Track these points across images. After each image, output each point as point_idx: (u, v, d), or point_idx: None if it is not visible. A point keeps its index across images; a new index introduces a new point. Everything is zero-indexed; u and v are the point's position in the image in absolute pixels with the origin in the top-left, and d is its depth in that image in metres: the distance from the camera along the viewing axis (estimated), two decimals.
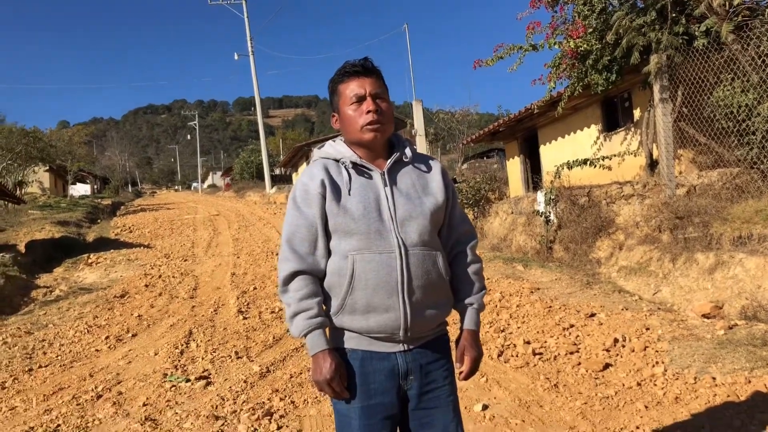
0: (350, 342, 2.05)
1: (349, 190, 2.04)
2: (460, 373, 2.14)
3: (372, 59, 2.12)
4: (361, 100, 2.06)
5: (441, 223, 2.16)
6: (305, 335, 1.99)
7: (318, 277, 2.06)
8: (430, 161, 2.22)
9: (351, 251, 1.99)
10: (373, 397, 2.01)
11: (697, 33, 8.06)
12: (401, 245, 1.99)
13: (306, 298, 2.01)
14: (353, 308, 1.99)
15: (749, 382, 4.10)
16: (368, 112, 2.05)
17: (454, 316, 2.20)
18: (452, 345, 2.22)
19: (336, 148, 2.15)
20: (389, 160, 2.10)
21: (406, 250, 2.00)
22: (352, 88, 2.07)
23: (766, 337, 4.83)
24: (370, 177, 2.08)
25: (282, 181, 46.95)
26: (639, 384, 4.41)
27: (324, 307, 2.05)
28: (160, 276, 10.87)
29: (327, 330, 2.05)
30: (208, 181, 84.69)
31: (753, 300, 5.72)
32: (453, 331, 2.20)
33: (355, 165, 2.08)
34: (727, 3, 7.39)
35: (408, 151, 2.16)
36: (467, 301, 2.17)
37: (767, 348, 4.63)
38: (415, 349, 2.06)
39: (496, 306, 7.06)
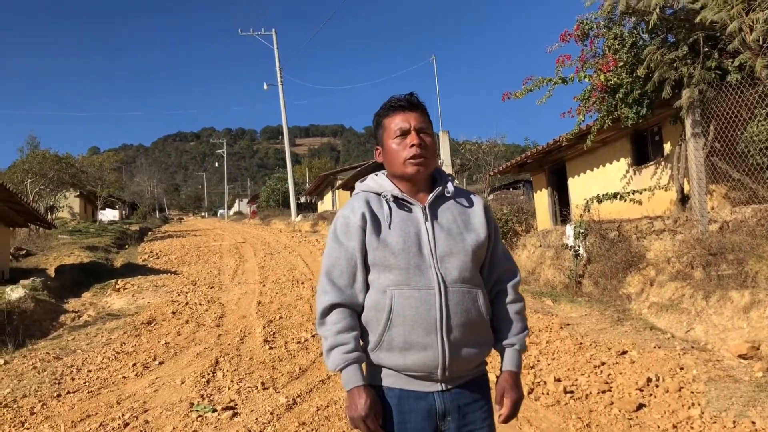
0: (387, 380, 2.01)
1: (390, 224, 2.02)
2: (500, 415, 2.09)
3: (417, 94, 2.13)
4: (405, 134, 2.07)
5: (483, 260, 2.13)
6: (341, 370, 1.96)
7: (356, 311, 2.03)
8: (472, 196, 2.20)
9: (390, 286, 1.97)
10: None
11: (730, 68, 7.99)
12: (441, 282, 1.97)
13: (343, 331, 1.98)
14: (391, 345, 1.96)
15: None
16: (412, 146, 2.05)
17: (492, 356, 2.16)
18: (491, 385, 2.17)
19: (378, 181, 2.15)
20: (431, 195, 2.09)
21: (446, 286, 1.97)
22: (397, 122, 2.08)
23: None
24: (411, 211, 2.07)
25: (307, 209, 47.23)
26: (675, 426, 4.29)
27: (362, 343, 2.03)
28: (186, 303, 10.93)
29: (364, 365, 2.01)
30: (235, 208, 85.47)
31: None
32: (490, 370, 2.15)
33: (396, 199, 2.07)
34: (761, 38, 7.32)
35: (450, 186, 2.14)
36: (508, 341, 2.12)
37: None
38: (453, 389, 2.01)
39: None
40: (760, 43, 7.44)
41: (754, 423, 4.13)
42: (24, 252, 18.49)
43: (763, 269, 6.67)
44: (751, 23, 7.30)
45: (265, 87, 39.23)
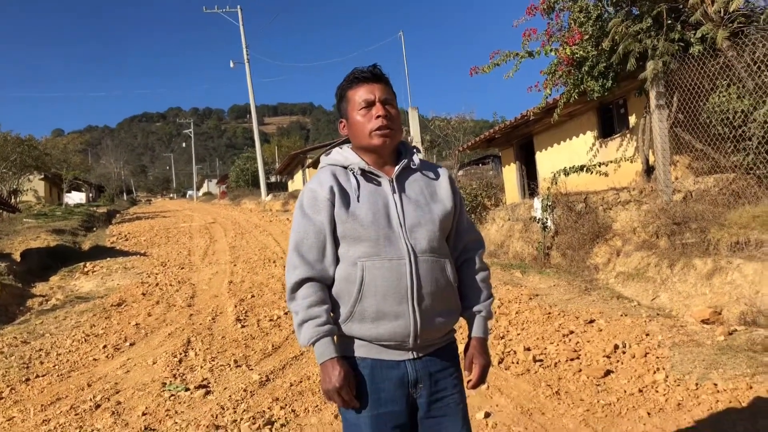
0: (360, 350, 2.03)
1: (358, 197, 2.03)
2: (469, 381, 2.13)
3: (380, 66, 2.13)
4: (370, 105, 2.07)
5: (449, 230, 2.16)
6: (313, 343, 1.98)
7: (326, 284, 2.05)
8: (438, 169, 2.22)
9: (360, 258, 1.98)
10: (382, 406, 2.00)
11: (692, 40, 8.09)
12: (411, 252, 1.99)
13: (314, 305, 1.99)
14: (363, 316, 1.98)
15: (751, 387, 4.10)
16: (378, 117, 2.05)
17: (460, 323, 2.20)
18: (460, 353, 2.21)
19: (344, 154, 2.15)
20: (397, 167, 2.10)
21: (416, 256, 1.99)
22: (361, 93, 2.08)
23: (766, 343, 4.84)
24: (379, 184, 2.08)
25: (277, 188, 46.94)
26: (641, 390, 4.41)
27: (332, 315, 2.04)
28: (157, 284, 10.84)
29: (335, 338, 2.03)
30: (204, 189, 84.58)
31: (752, 305, 5.73)
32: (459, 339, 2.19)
33: (363, 172, 2.08)
34: (722, 10, 7.42)
35: (416, 158, 2.16)
36: (475, 308, 2.17)
37: (767, 353, 4.63)
38: (424, 357, 2.05)
39: (495, 312, 7.05)
40: (721, 14, 7.54)
41: (716, 385, 4.25)
42: None
43: (724, 237, 6.83)
44: None
45: (232, 65, 38.72)
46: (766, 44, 7.07)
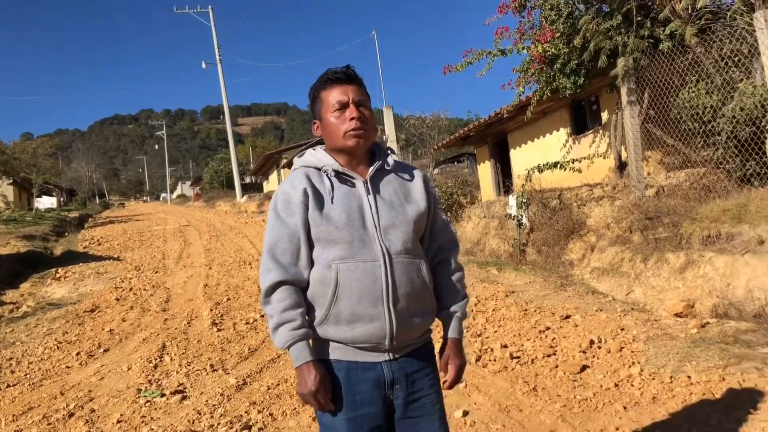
0: (335, 353, 2.02)
1: (332, 199, 2.02)
2: (445, 381, 2.14)
3: (354, 67, 2.12)
4: (344, 107, 2.06)
5: (423, 230, 2.15)
6: (289, 347, 1.96)
7: (301, 287, 2.03)
8: (413, 170, 2.22)
9: (335, 260, 1.97)
10: (359, 408, 1.99)
11: (662, 36, 8.19)
12: (386, 253, 1.98)
13: (289, 309, 1.97)
14: (338, 318, 1.97)
15: (723, 379, 4.16)
16: (351, 119, 2.04)
17: (436, 323, 2.19)
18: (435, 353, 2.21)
19: (317, 156, 2.13)
20: (371, 168, 2.09)
21: (391, 258, 1.98)
22: (335, 95, 2.07)
23: (737, 335, 4.91)
24: (353, 185, 2.06)
25: (252, 189, 46.68)
26: (616, 385, 4.44)
27: (307, 318, 2.03)
28: (131, 289, 10.69)
29: (311, 341, 2.02)
30: (177, 191, 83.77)
31: (723, 298, 5.81)
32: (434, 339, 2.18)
33: (337, 173, 2.06)
34: (690, 6, 7.52)
35: (390, 159, 2.15)
36: (451, 309, 2.16)
37: (739, 345, 4.71)
38: (400, 358, 2.04)
39: (473, 310, 7.07)
40: (689, 11, 7.64)
41: (689, 377, 4.30)
42: None
43: (696, 231, 6.92)
44: None
45: (204, 66, 38.43)
46: (733, 41, 7.18)
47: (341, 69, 2.11)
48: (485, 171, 16.71)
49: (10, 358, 6.76)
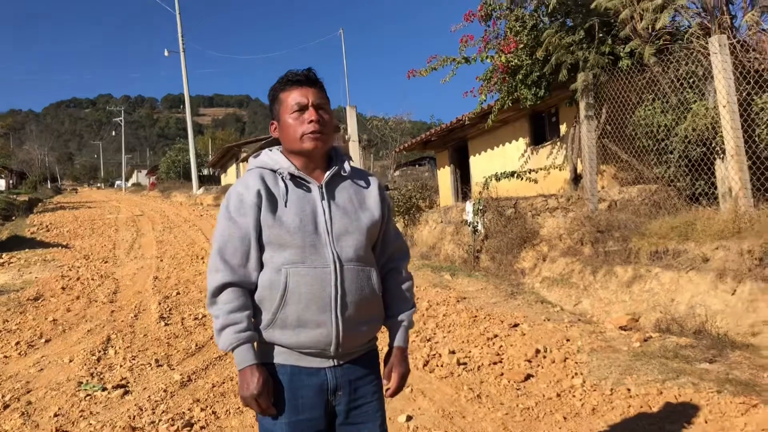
0: (279, 357, 2.01)
1: (286, 202, 2.00)
2: (387, 389, 2.14)
3: (315, 70, 2.11)
4: (303, 109, 2.05)
5: (376, 238, 2.15)
6: (233, 349, 1.94)
7: (249, 289, 2.01)
8: (369, 177, 2.21)
9: (285, 264, 1.96)
10: (300, 413, 1.98)
11: (622, 54, 8.37)
12: (336, 260, 1.98)
13: (235, 311, 1.96)
14: (284, 323, 1.96)
15: (661, 393, 4.26)
16: (310, 121, 2.03)
17: (381, 331, 2.19)
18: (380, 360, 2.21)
19: (273, 157, 2.11)
20: (327, 173, 2.08)
21: (341, 265, 1.98)
22: (294, 96, 2.05)
23: (678, 350, 5.04)
24: (308, 189, 2.05)
25: (210, 181, 46.05)
26: (558, 395, 4.51)
27: (253, 321, 2.01)
28: (78, 278, 10.43)
29: (255, 344, 2.00)
30: (133, 180, 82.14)
31: (666, 313, 5.96)
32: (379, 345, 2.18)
33: (292, 176, 2.05)
34: (650, 26, 7.69)
35: (347, 165, 2.14)
36: (399, 318, 2.17)
37: (678, 360, 4.83)
38: (345, 365, 2.04)
39: (423, 315, 7.10)
40: (649, 31, 7.82)
41: (629, 390, 4.40)
42: None
43: (644, 246, 7.08)
44: (641, 12, 7.67)
45: (166, 53, 37.83)
46: (689, 62, 7.37)
47: (302, 71, 2.10)
48: (445, 176, 16.82)
49: None
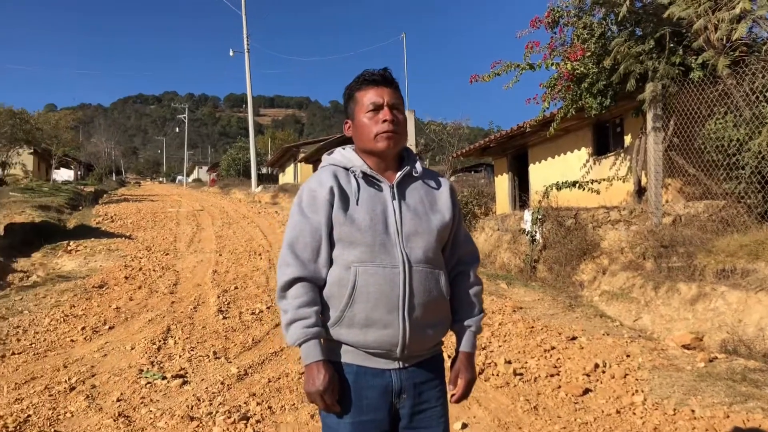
0: (346, 356, 2.01)
1: (357, 200, 2.01)
2: (453, 395, 2.12)
3: (390, 70, 2.11)
4: (378, 108, 2.05)
5: (445, 241, 2.14)
6: (300, 344, 1.95)
7: (318, 285, 2.02)
8: (440, 178, 2.20)
9: (354, 262, 1.96)
10: (365, 413, 1.98)
11: (693, 65, 8.14)
12: (406, 261, 1.97)
13: (304, 306, 1.96)
14: (352, 321, 1.96)
15: (728, 416, 4.12)
16: (384, 121, 2.03)
17: (449, 336, 2.18)
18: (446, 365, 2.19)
19: (346, 156, 2.12)
20: (399, 173, 2.08)
21: (410, 266, 1.97)
22: (370, 96, 2.06)
23: (746, 373, 4.86)
24: (380, 189, 2.05)
25: (268, 180, 46.76)
26: (618, 412, 4.41)
27: (321, 318, 2.01)
28: (140, 269, 10.75)
29: (322, 341, 2.01)
30: (194, 176, 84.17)
31: (734, 334, 5.76)
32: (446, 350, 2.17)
33: (365, 175, 2.06)
34: (725, 38, 7.47)
35: (418, 166, 2.14)
36: (466, 323, 2.15)
37: (746, 383, 4.65)
38: (410, 368, 2.03)
39: None
40: (724, 42, 7.59)
41: (693, 411, 4.26)
42: None
43: (711, 263, 6.86)
44: (716, 22, 7.44)
45: (231, 53, 38.57)
46: (765, 75, 7.12)
47: (378, 71, 2.10)
48: (502, 183, 16.66)
49: (17, 326, 6.82)
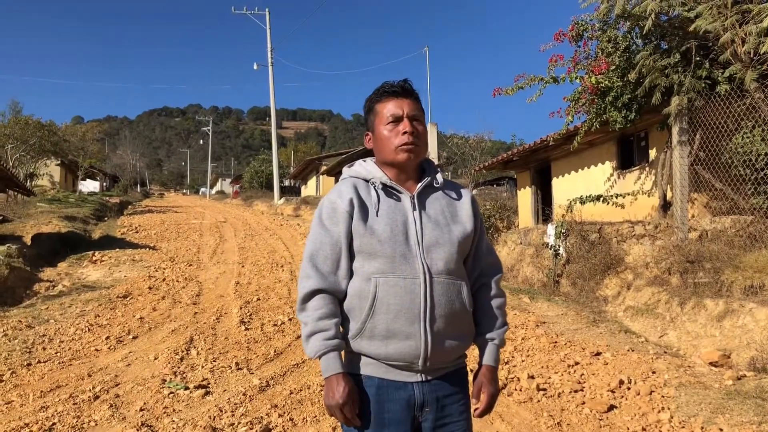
0: (367, 368, 1.99)
1: (377, 212, 2.00)
2: (476, 409, 2.09)
3: (411, 81, 2.12)
4: (398, 120, 2.05)
5: (467, 252, 2.12)
6: (320, 357, 1.94)
7: (338, 297, 2.01)
8: (461, 189, 2.19)
9: (374, 274, 1.95)
10: (386, 427, 1.96)
11: (720, 78, 8.05)
12: (426, 272, 1.95)
13: (324, 318, 1.96)
14: (372, 333, 1.95)
15: None
16: (404, 133, 2.03)
17: (471, 349, 2.16)
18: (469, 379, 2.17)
19: (367, 168, 2.12)
20: (420, 184, 2.07)
21: (431, 277, 1.96)
22: (390, 108, 2.06)
23: None
24: (399, 200, 2.05)
25: (291, 192, 47.07)
26: (644, 429, 4.34)
27: (341, 330, 2.01)
28: (164, 279, 10.85)
29: (343, 353, 2.00)
30: (217, 187, 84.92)
31: (763, 352, 5.64)
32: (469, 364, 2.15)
33: (385, 186, 2.05)
34: (752, 51, 7.38)
35: (439, 177, 2.13)
36: (489, 335, 2.12)
37: None
38: (433, 381, 2.00)
39: None
40: (751, 55, 7.50)
41: (721, 430, 4.18)
42: (0, 218, 18.24)
43: (738, 279, 6.75)
44: (743, 35, 7.36)
45: (255, 67, 38.93)
46: None
47: (398, 82, 2.10)
48: (525, 197, 16.58)
49: (43, 335, 6.90)
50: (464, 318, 2.04)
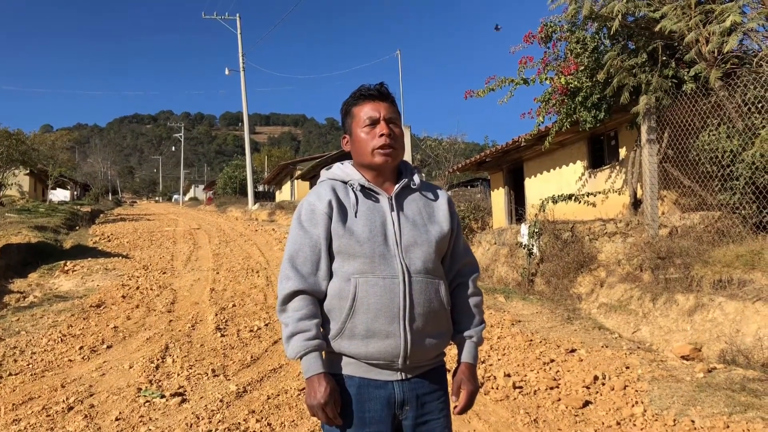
0: (347, 368, 2.01)
1: (356, 213, 2.02)
2: (455, 407, 2.12)
3: (387, 85, 2.14)
4: (374, 123, 2.07)
5: (444, 252, 2.15)
6: (301, 357, 1.95)
7: (318, 298, 2.03)
8: (438, 190, 2.22)
9: (354, 274, 1.97)
10: (367, 426, 1.97)
11: (686, 77, 8.21)
12: (405, 271, 1.98)
13: (305, 318, 1.97)
14: (353, 333, 1.96)
15: (728, 427, 4.12)
16: (381, 135, 2.05)
17: (450, 348, 2.19)
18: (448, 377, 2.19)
19: (344, 170, 2.15)
20: (397, 186, 2.10)
21: (410, 276, 1.98)
22: (367, 110, 2.09)
23: (745, 383, 4.86)
24: (378, 201, 2.07)
25: (265, 198, 46.83)
26: (618, 423, 4.41)
27: (322, 331, 2.02)
28: (137, 288, 10.72)
29: (323, 354, 2.01)
30: (190, 194, 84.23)
31: (732, 344, 5.77)
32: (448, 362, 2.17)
33: (363, 188, 2.08)
34: (716, 50, 7.54)
35: (416, 178, 2.16)
36: (467, 333, 2.15)
37: (745, 393, 4.65)
38: (413, 379, 2.03)
39: None
40: (715, 54, 7.66)
41: (693, 422, 4.26)
42: None
43: (708, 274, 6.88)
44: (707, 35, 7.51)
45: (227, 72, 38.71)
46: (757, 86, 7.18)
47: (374, 86, 2.13)
48: (498, 198, 16.71)
49: (14, 347, 6.78)
50: (442, 316, 2.07)
